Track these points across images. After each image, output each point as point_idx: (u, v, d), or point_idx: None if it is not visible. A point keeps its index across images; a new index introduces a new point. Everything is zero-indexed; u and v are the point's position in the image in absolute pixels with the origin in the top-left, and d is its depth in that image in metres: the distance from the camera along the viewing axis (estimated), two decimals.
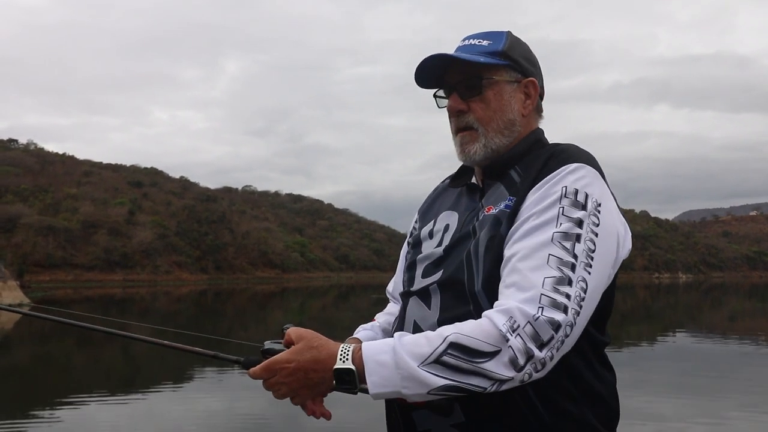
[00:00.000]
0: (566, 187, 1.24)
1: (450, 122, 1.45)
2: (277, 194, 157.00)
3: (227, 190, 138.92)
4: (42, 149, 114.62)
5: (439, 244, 1.42)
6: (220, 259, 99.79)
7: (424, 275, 1.40)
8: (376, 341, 1.21)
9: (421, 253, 1.46)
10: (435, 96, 1.47)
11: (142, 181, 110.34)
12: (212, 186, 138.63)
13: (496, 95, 1.38)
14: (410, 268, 1.48)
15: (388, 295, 1.67)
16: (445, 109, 1.45)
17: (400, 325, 1.44)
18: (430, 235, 1.47)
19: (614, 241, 1.26)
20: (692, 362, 13.00)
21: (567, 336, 1.15)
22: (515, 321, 1.13)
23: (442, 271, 1.36)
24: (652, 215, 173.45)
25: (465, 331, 1.14)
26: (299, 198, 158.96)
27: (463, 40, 1.44)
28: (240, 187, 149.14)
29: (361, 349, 1.18)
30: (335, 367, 1.17)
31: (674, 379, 10.76)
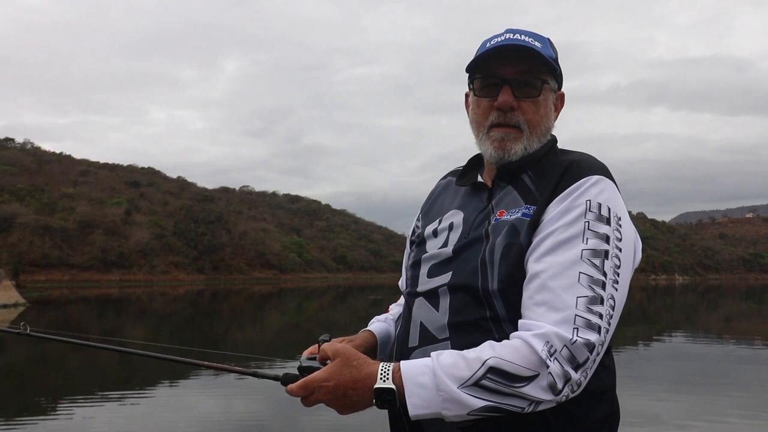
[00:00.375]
0: (590, 200, 1.25)
1: (486, 114, 1.38)
2: (274, 195, 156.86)
3: (224, 191, 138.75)
4: (39, 148, 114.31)
5: (445, 244, 1.40)
6: (217, 260, 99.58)
7: (430, 275, 1.39)
8: (413, 361, 1.20)
9: (426, 252, 1.44)
10: (472, 81, 1.41)
11: (139, 181, 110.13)
12: (210, 186, 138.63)
13: (545, 101, 1.38)
14: (414, 266, 1.47)
15: (401, 289, 1.65)
16: (477, 97, 1.40)
17: (405, 324, 1.43)
18: (435, 234, 1.45)
19: (632, 252, 1.30)
20: (689, 364, 13.00)
21: (598, 354, 1.19)
22: (552, 345, 1.14)
23: (452, 273, 1.34)
24: (649, 217, 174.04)
25: (504, 355, 1.15)
26: (297, 198, 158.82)
27: (510, 32, 1.38)
28: (237, 188, 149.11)
29: (399, 369, 1.18)
30: (376, 386, 1.18)
31: (671, 380, 10.76)
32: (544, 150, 1.40)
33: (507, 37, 1.36)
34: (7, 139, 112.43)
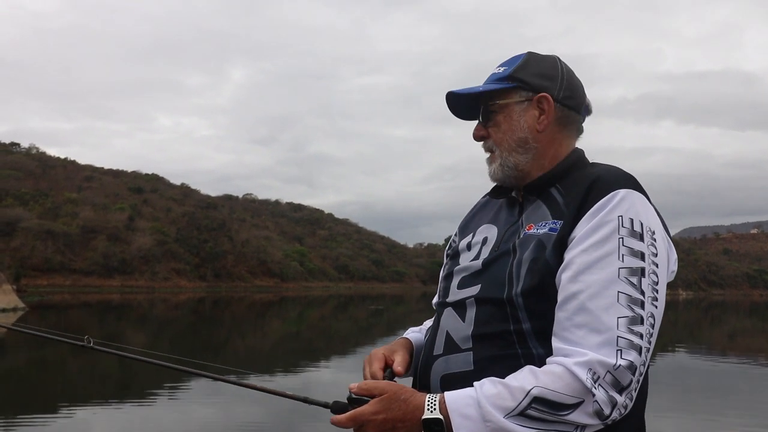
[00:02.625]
0: (622, 216, 1.25)
1: None
2: (277, 203, 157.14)
3: (228, 198, 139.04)
4: (43, 153, 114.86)
5: (477, 257, 1.44)
6: (218, 267, 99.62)
7: (460, 287, 1.42)
8: (457, 392, 1.22)
9: (458, 264, 1.48)
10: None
11: (143, 187, 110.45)
12: (215, 193, 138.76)
13: (506, 118, 1.44)
14: (446, 278, 1.51)
15: (434, 306, 1.68)
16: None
17: (432, 333, 1.45)
18: (468, 247, 1.50)
19: (666, 266, 1.30)
20: (692, 380, 12.90)
21: (641, 375, 1.20)
22: (596, 372, 1.15)
23: (480, 285, 1.37)
24: None
25: (548, 384, 1.16)
26: (299, 207, 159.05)
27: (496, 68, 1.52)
28: (241, 195, 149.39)
29: (444, 400, 1.21)
30: (423, 417, 1.20)
31: (674, 396, 10.66)
32: (570, 162, 1.43)
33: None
34: (13, 144, 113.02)
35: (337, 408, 1.30)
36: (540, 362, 1.24)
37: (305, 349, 18.53)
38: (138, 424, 8.31)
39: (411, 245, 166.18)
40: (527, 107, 1.43)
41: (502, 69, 1.47)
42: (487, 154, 1.49)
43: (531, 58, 1.47)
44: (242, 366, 12.57)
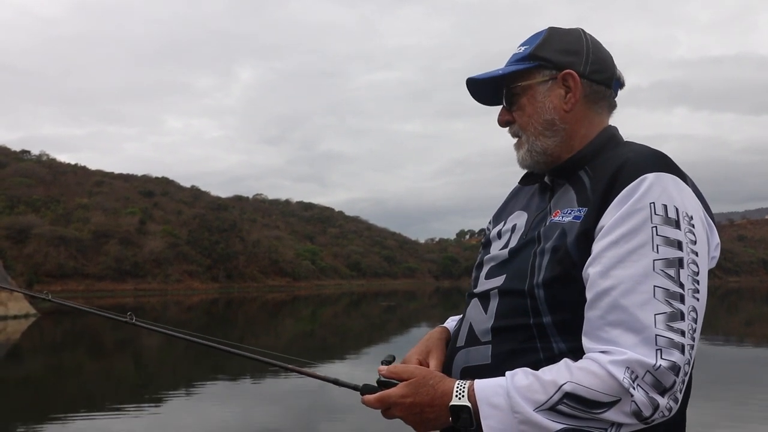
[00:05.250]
0: (654, 203, 1.15)
1: None
2: (287, 202, 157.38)
3: (238, 199, 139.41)
4: (54, 160, 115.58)
5: (506, 245, 1.40)
6: (230, 268, 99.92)
7: (488, 276, 1.40)
8: (487, 381, 1.18)
9: (489, 253, 1.45)
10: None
11: (153, 191, 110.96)
12: (225, 195, 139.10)
13: (530, 100, 1.37)
14: (477, 267, 1.48)
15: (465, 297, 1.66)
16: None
17: (460, 323, 1.45)
18: (499, 235, 1.46)
19: (707, 254, 1.20)
20: (710, 368, 12.74)
21: (686, 374, 1.12)
22: (634, 372, 1.08)
23: (505, 276, 1.34)
24: None
25: (582, 380, 1.10)
26: (310, 206, 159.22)
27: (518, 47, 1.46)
28: (251, 196, 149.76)
29: (473, 387, 1.18)
30: (451, 403, 1.18)
31: (694, 384, 10.53)
32: (601, 142, 1.34)
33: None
34: (23, 151, 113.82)
35: (366, 390, 1.31)
36: (559, 358, 1.18)
37: (319, 347, 18.50)
38: (157, 429, 8.29)
39: (422, 241, 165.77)
40: (552, 86, 1.35)
41: (522, 48, 1.40)
42: (514, 140, 1.43)
43: (553, 33, 1.38)
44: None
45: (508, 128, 1.44)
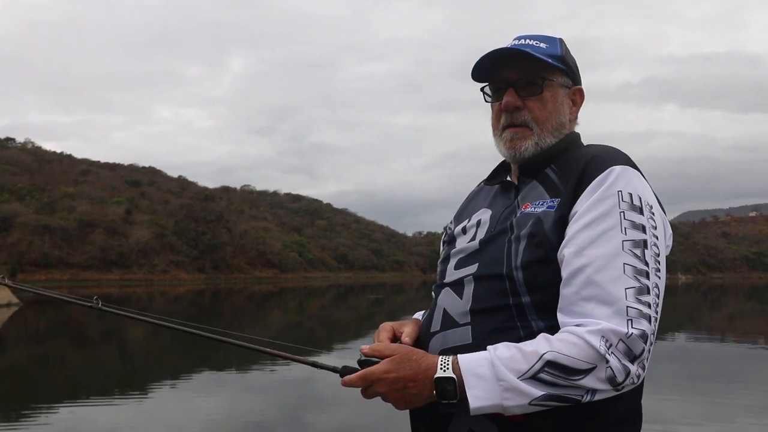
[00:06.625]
0: (621, 191, 1.28)
1: (498, 117, 1.48)
2: (275, 194, 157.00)
3: (225, 190, 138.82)
4: (39, 148, 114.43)
5: (473, 239, 1.46)
6: (217, 259, 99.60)
7: (457, 267, 1.44)
8: (471, 354, 1.23)
9: (455, 248, 1.50)
10: (483, 90, 1.51)
11: (140, 180, 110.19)
12: (213, 185, 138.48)
13: (553, 97, 1.45)
14: (444, 261, 1.52)
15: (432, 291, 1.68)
16: (490, 103, 1.51)
17: (430, 312, 1.47)
18: (464, 231, 1.52)
19: (664, 239, 1.33)
20: (693, 363, 12.89)
21: (652, 344, 1.22)
22: (608, 340, 1.17)
23: (477, 264, 1.39)
24: None
25: (561, 349, 1.18)
26: (298, 197, 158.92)
27: (517, 39, 1.48)
28: (239, 187, 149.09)
29: (458, 361, 1.22)
30: (436, 376, 1.22)
31: (676, 379, 10.64)
32: (566, 144, 1.45)
33: (513, 44, 1.46)
34: (8, 139, 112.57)
35: (346, 372, 1.31)
36: (538, 335, 1.25)
37: (305, 338, 18.49)
38: (142, 419, 8.26)
39: (410, 234, 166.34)
40: (565, 94, 1.47)
41: (543, 45, 1.45)
42: (515, 130, 1.44)
43: (566, 47, 1.49)
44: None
45: (507, 115, 1.45)
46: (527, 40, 1.45)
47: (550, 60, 1.41)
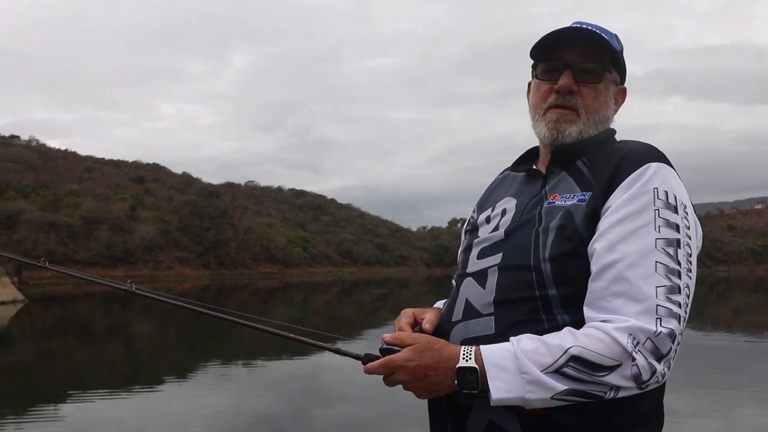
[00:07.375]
0: (657, 188, 1.26)
1: (545, 97, 1.43)
2: (279, 189, 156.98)
3: (230, 186, 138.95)
4: (44, 145, 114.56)
5: (497, 228, 1.43)
6: (222, 255, 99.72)
7: (480, 257, 1.42)
8: (493, 345, 1.22)
9: (477, 237, 1.47)
10: (536, 67, 1.46)
11: (144, 177, 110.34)
12: (217, 181, 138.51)
13: (606, 89, 1.43)
14: (465, 251, 1.50)
15: (453, 281, 1.63)
16: (536, 81, 1.46)
17: (451, 301, 1.44)
18: (488, 220, 1.49)
19: (696, 240, 1.31)
20: (700, 357, 12.84)
21: (679, 344, 1.21)
22: (636, 338, 1.16)
23: (502, 254, 1.37)
24: None
25: (587, 345, 1.17)
26: (302, 193, 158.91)
27: (575, 23, 1.44)
28: (243, 183, 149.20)
29: (480, 351, 1.21)
30: (458, 365, 1.21)
31: (685, 372, 10.60)
32: (601, 138, 1.42)
33: (574, 26, 1.43)
34: (13, 137, 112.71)
35: (368, 359, 1.31)
36: (563, 329, 1.23)
37: (311, 335, 18.51)
38: (151, 413, 8.27)
39: (415, 229, 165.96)
40: (612, 91, 1.45)
41: (605, 35, 1.40)
42: (563, 111, 1.40)
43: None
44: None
45: (558, 95, 1.40)
46: (590, 27, 1.40)
47: (615, 51, 1.39)
